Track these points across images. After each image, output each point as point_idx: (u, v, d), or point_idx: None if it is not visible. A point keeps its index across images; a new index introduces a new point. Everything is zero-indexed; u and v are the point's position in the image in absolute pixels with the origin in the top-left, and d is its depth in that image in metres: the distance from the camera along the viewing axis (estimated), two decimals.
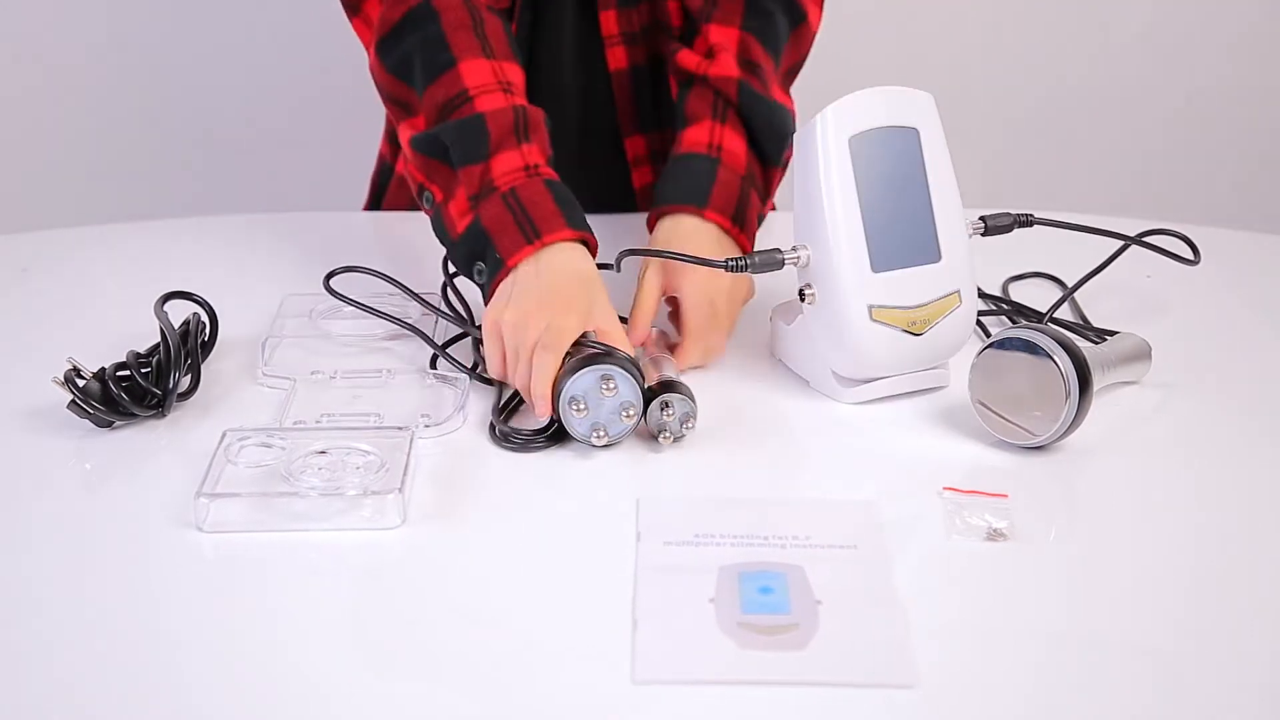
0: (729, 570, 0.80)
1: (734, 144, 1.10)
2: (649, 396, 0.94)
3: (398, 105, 1.09)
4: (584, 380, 0.91)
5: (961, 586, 0.81)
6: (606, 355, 0.92)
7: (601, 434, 0.92)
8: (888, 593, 0.79)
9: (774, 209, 1.41)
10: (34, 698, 0.71)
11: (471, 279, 1.02)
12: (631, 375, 0.91)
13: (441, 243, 1.04)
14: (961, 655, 0.75)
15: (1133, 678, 0.73)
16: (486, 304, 1.00)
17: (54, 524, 0.86)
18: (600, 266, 1.01)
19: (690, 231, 1.06)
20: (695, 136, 1.11)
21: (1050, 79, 2.14)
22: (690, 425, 0.94)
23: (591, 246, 1.01)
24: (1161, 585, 0.81)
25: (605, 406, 0.91)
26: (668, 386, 0.94)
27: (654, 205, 1.10)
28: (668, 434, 0.93)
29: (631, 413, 0.92)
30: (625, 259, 0.99)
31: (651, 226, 1.09)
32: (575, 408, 0.91)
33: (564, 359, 0.93)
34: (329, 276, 1.09)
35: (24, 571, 0.81)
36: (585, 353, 0.92)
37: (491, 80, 1.04)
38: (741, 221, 1.08)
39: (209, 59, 1.99)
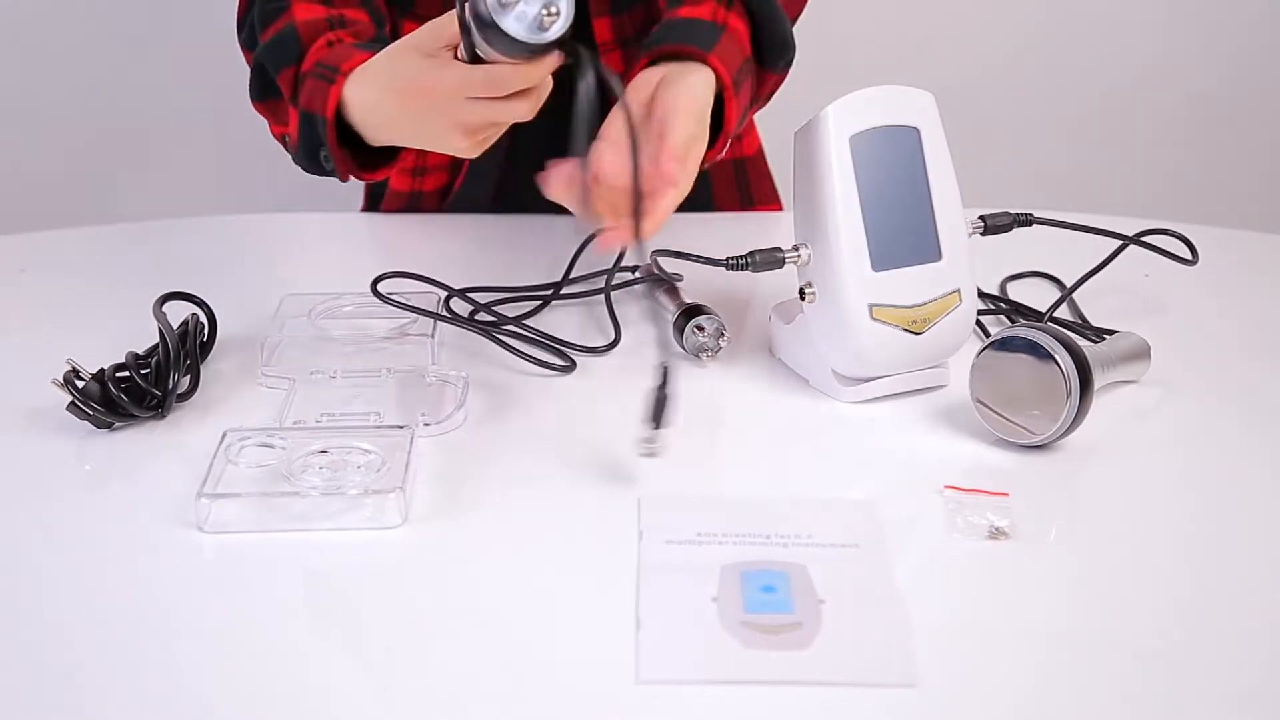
0: (731, 569, 0.80)
1: (738, 25, 1.03)
2: (680, 324, 1.03)
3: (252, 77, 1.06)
4: None
5: (963, 585, 0.81)
6: None
7: (553, 9, 0.77)
8: (890, 592, 0.79)
9: (780, 209, 1.42)
10: (35, 698, 0.71)
11: (327, 173, 0.96)
12: None
13: (302, 165, 0.99)
14: (963, 654, 0.75)
15: (1133, 677, 0.73)
16: (340, 177, 0.95)
17: (54, 526, 0.85)
18: (627, 269, 1.00)
19: (688, 78, 0.95)
20: (695, 11, 1.02)
21: (1050, 78, 2.14)
22: (725, 339, 1.03)
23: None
24: (1162, 584, 0.81)
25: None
26: (693, 311, 1.04)
27: (645, 49, 1.00)
28: (708, 352, 1.02)
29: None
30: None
31: (637, 71, 0.99)
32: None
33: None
34: (375, 281, 1.08)
35: (25, 573, 0.81)
36: None
37: (321, 15, 1.00)
38: (737, 89, 0.99)
39: (209, 59, 1.99)
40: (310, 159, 0.96)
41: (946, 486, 0.89)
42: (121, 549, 0.83)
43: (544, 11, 0.77)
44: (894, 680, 0.72)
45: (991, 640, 0.76)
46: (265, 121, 1.12)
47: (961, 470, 0.91)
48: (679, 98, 0.93)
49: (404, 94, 0.88)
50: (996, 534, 0.84)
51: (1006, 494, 0.88)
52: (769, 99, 1.15)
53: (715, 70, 0.98)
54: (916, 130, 0.97)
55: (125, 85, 2.03)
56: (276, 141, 1.04)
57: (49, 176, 2.07)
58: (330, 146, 0.93)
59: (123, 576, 0.81)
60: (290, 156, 1.01)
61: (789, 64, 1.11)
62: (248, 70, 1.08)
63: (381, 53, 0.92)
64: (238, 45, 1.17)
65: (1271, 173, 2.20)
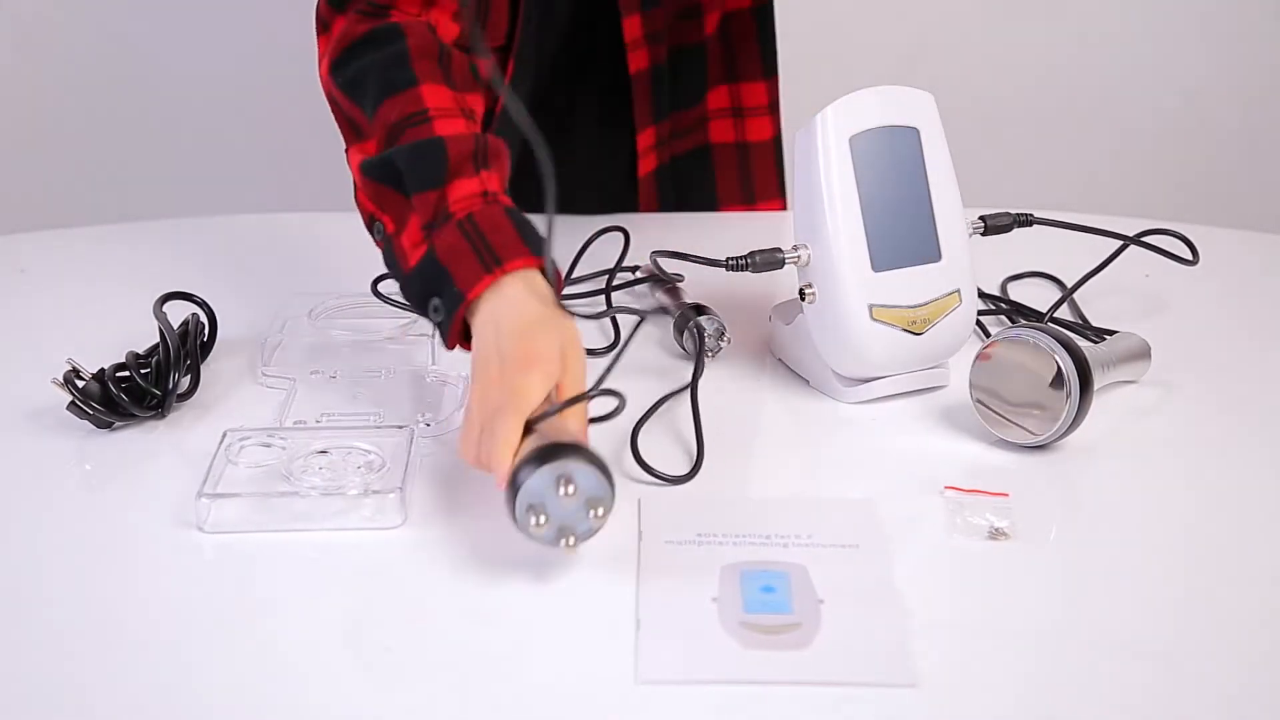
0: (731, 570, 0.80)
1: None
2: (680, 325, 1.02)
3: (350, 126, 1.02)
4: (537, 482, 0.77)
5: (963, 585, 0.81)
6: (563, 448, 0.78)
7: (570, 540, 0.79)
8: (890, 592, 0.79)
9: (782, 207, 1.41)
10: (35, 697, 0.71)
11: (427, 317, 0.92)
12: (594, 465, 0.78)
13: (394, 277, 0.95)
14: (963, 654, 0.75)
15: (1133, 677, 0.73)
16: (447, 346, 0.90)
17: (54, 525, 0.85)
18: (628, 269, 0.98)
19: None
20: None
21: (1050, 78, 2.14)
22: (726, 339, 1.03)
23: (550, 276, 0.90)
24: (1162, 584, 0.81)
25: (566, 507, 0.78)
26: (694, 310, 1.03)
27: None
28: (709, 352, 1.01)
29: (600, 511, 0.78)
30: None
31: None
32: (534, 518, 0.78)
33: (526, 437, 0.81)
34: (376, 281, 1.08)
35: (25, 573, 0.81)
36: (539, 445, 0.79)
37: (453, 105, 0.96)
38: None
39: (209, 59, 1.99)
40: (419, 301, 0.92)
41: (947, 487, 0.89)
42: (121, 549, 0.83)
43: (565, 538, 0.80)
44: (894, 680, 0.72)
45: (991, 640, 0.76)
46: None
47: (961, 470, 0.91)
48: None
49: (504, 365, 0.84)
50: (996, 534, 0.84)
51: (1006, 494, 0.88)
52: None
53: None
54: (916, 130, 0.97)
55: (126, 85, 2.03)
56: (358, 210, 0.99)
57: (49, 176, 2.07)
58: (455, 322, 0.89)
59: (123, 576, 0.81)
60: (379, 249, 0.96)
61: None
62: (343, 106, 1.02)
63: (535, 298, 0.87)
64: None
65: (1271, 172, 2.20)
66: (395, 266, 0.94)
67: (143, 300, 1.02)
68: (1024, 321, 1.05)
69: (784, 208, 1.41)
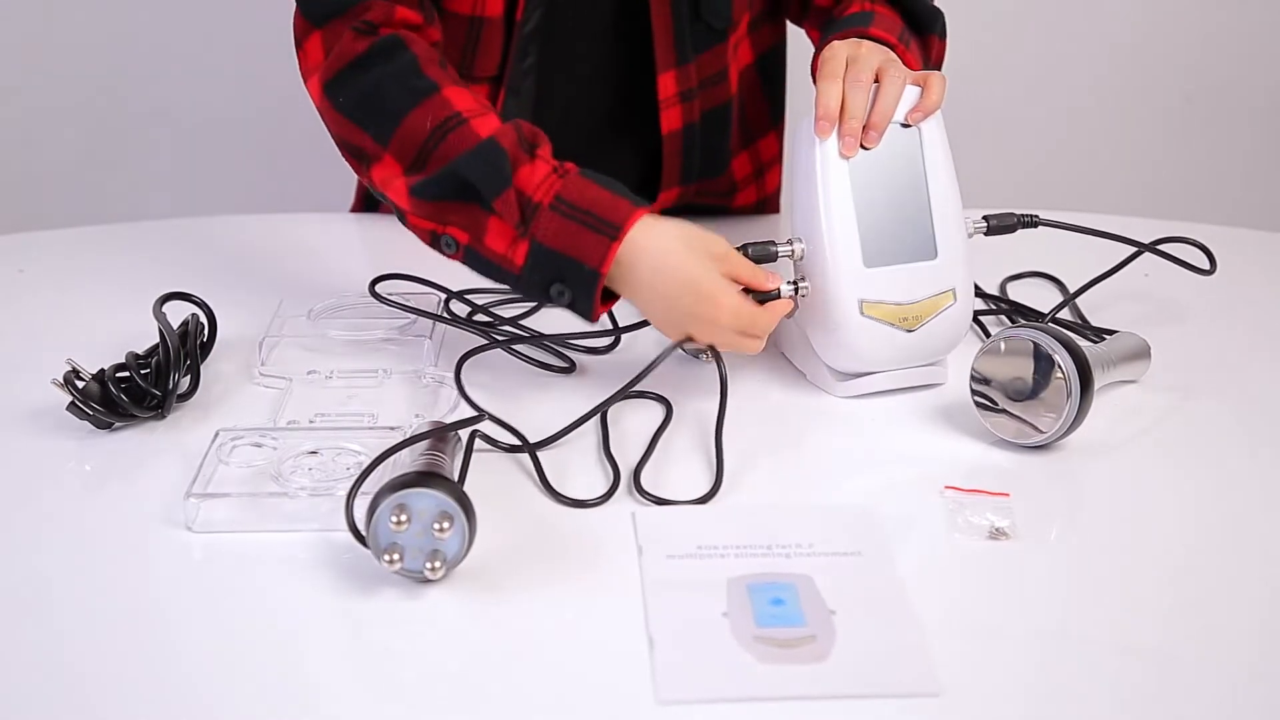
0: (737, 583, 0.79)
1: (885, 9, 1.12)
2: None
3: (351, 151, 1.02)
4: (378, 527, 0.77)
5: (964, 586, 0.81)
6: (394, 482, 0.78)
7: (436, 564, 0.77)
8: (899, 600, 0.78)
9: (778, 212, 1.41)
10: (25, 695, 0.71)
11: (549, 303, 0.97)
12: (424, 485, 0.77)
13: (493, 279, 0.98)
14: (967, 655, 0.74)
15: (1134, 676, 0.73)
16: (591, 319, 0.97)
17: (53, 526, 0.85)
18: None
19: (854, 45, 1.01)
20: (848, 10, 1.13)
21: (1050, 77, 2.14)
22: None
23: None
24: (1162, 583, 0.81)
25: (414, 536, 0.77)
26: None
27: (815, 54, 1.06)
28: (706, 354, 0.98)
29: (445, 525, 0.77)
30: None
31: (815, 71, 1.03)
32: (389, 558, 0.76)
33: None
34: (374, 282, 1.08)
35: (24, 574, 0.81)
36: (389, 481, 0.78)
37: (477, 105, 0.99)
38: (905, 44, 1.08)
39: (208, 59, 1.99)
40: (538, 291, 0.97)
41: (947, 487, 0.88)
42: (119, 549, 0.83)
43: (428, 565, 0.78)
44: (916, 690, 0.71)
45: (992, 640, 0.76)
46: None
47: (961, 470, 0.91)
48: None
49: (685, 286, 0.94)
50: (997, 534, 0.84)
51: (1007, 494, 0.88)
52: (940, 62, 1.18)
53: (878, 38, 1.05)
54: (917, 129, 0.97)
55: (125, 85, 2.03)
56: (418, 238, 1.00)
57: (49, 176, 2.06)
58: (596, 299, 0.95)
59: (118, 576, 0.81)
60: (457, 260, 1.00)
61: (944, 30, 1.17)
62: (339, 131, 1.04)
63: (670, 232, 0.95)
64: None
65: (1272, 172, 2.20)
66: (494, 269, 0.97)
67: (143, 300, 1.02)
68: (1024, 321, 1.05)
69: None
